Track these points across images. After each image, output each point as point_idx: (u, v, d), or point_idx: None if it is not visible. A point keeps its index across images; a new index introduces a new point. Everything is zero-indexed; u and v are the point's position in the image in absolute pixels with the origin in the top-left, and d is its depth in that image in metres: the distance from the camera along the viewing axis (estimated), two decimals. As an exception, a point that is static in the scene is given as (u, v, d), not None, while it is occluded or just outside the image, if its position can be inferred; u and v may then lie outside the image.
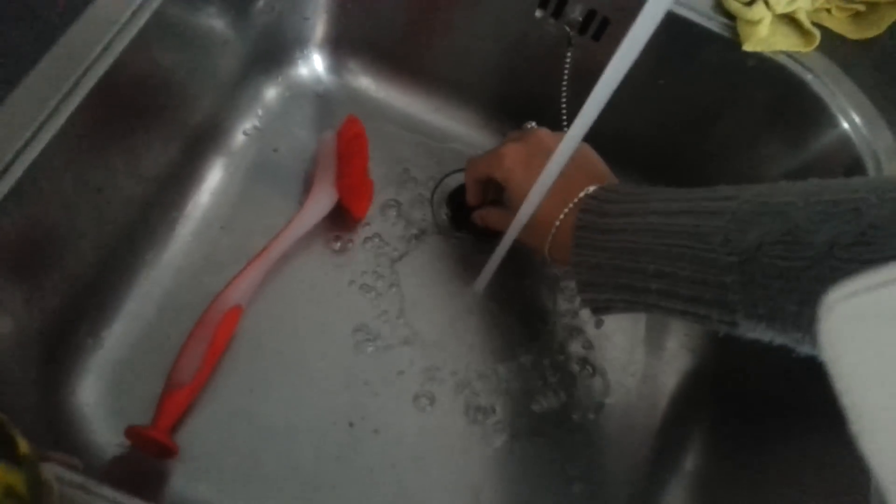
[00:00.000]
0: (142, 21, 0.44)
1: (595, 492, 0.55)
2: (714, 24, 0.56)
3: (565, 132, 0.41)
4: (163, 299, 0.53)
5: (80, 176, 0.44)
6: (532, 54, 0.63)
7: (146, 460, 0.47)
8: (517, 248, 0.51)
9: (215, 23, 0.54)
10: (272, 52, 0.64)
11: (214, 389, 0.51)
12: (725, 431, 0.57)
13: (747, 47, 0.55)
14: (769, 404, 0.54)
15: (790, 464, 0.49)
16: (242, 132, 0.62)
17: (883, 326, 0.24)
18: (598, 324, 0.61)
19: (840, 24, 0.59)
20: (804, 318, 0.35)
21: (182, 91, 0.53)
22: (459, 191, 0.64)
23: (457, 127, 0.69)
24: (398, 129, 0.67)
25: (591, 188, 0.48)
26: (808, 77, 0.56)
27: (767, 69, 0.57)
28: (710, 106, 0.61)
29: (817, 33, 0.56)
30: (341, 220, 0.60)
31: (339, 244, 0.60)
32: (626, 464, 0.57)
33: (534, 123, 0.60)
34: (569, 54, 0.60)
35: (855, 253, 0.33)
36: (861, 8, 0.59)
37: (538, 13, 0.59)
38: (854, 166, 0.54)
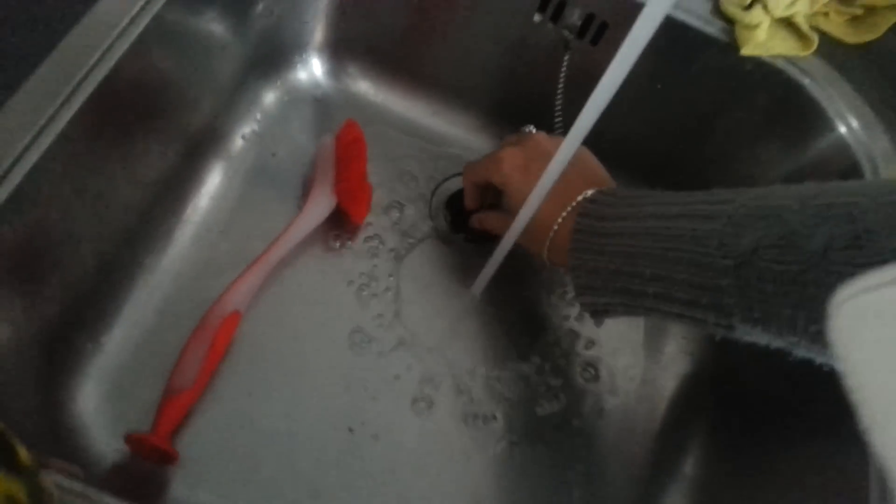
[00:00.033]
0: (141, 26, 0.44)
1: (595, 496, 0.55)
2: (712, 28, 0.56)
3: (562, 136, 0.41)
4: (162, 304, 0.53)
5: (79, 181, 0.44)
6: (530, 58, 0.63)
7: (146, 467, 0.47)
8: (515, 252, 0.51)
9: (214, 27, 0.54)
10: (271, 57, 0.64)
11: (214, 395, 0.51)
12: (725, 435, 0.57)
13: (745, 51, 0.55)
14: (768, 407, 0.54)
15: (790, 467, 0.49)
16: (241, 137, 0.62)
17: (893, 323, 0.24)
18: (598, 323, 0.61)
19: (838, 28, 0.59)
20: (799, 321, 0.35)
21: (181, 95, 0.53)
22: (458, 195, 0.64)
23: (455, 131, 0.69)
24: (397, 133, 0.67)
25: (590, 192, 0.48)
26: (806, 81, 0.56)
27: (765, 73, 0.57)
28: (708, 110, 0.61)
29: (815, 37, 0.56)
30: (340, 224, 0.60)
31: (337, 247, 0.59)
32: (625, 468, 0.57)
33: (532, 127, 0.60)
34: (566, 58, 0.60)
35: (849, 257, 0.33)
36: (859, 12, 0.59)
37: (537, 17, 0.60)
38: (851, 170, 0.54)
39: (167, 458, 0.47)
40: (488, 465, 0.54)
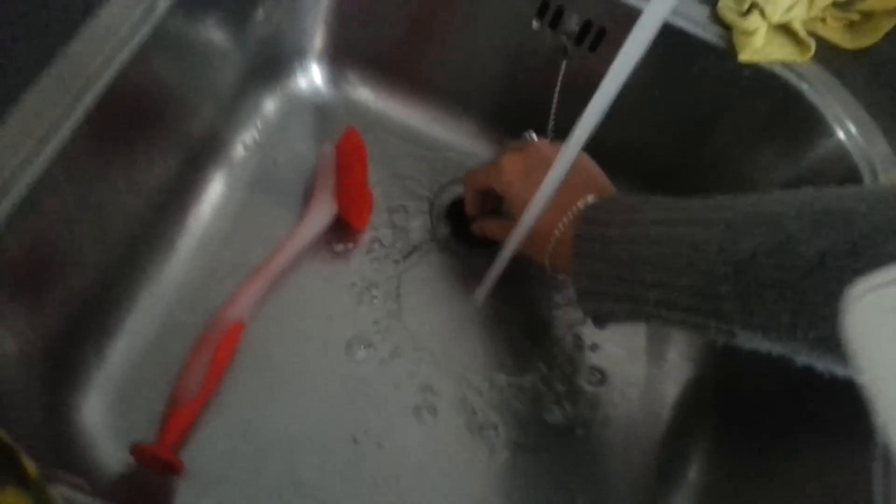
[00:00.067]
0: (142, 35, 0.44)
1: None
2: (710, 34, 0.56)
3: (560, 142, 0.41)
4: (165, 315, 0.53)
5: (82, 192, 0.44)
6: (529, 65, 0.63)
7: (151, 478, 0.47)
8: (518, 258, 0.52)
9: (214, 36, 0.54)
10: (271, 65, 0.64)
11: (218, 405, 0.51)
12: (727, 441, 0.57)
13: (743, 58, 0.55)
14: (771, 413, 0.54)
15: (793, 472, 0.49)
16: (242, 145, 0.62)
17: None
18: (600, 327, 0.61)
19: (835, 33, 0.59)
20: (799, 327, 0.36)
21: (182, 104, 0.53)
22: (459, 201, 0.64)
23: (455, 137, 0.69)
24: (397, 141, 0.68)
25: (591, 198, 0.48)
26: (804, 87, 0.56)
27: (763, 79, 0.57)
28: (706, 116, 0.62)
29: (812, 43, 0.56)
30: (341, 232, 0.60)
31: (338, 256, 0.60)
32: (629, 475, 0.57)
33: (533, 133, 0.60)
34: (563, 65, 0.60)
35: (847, 263, 0.33)
36: (856, 17, 0.59)
37: (535, 24, 0.60)
38: (850, 175, 0.54)
39: (172, 468, 0.47)
40: (492, 473, 0.54)
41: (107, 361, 0.50)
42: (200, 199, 0.58)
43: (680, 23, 0.56)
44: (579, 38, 0.60)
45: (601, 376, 0.60)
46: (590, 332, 0.61)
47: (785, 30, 0.57)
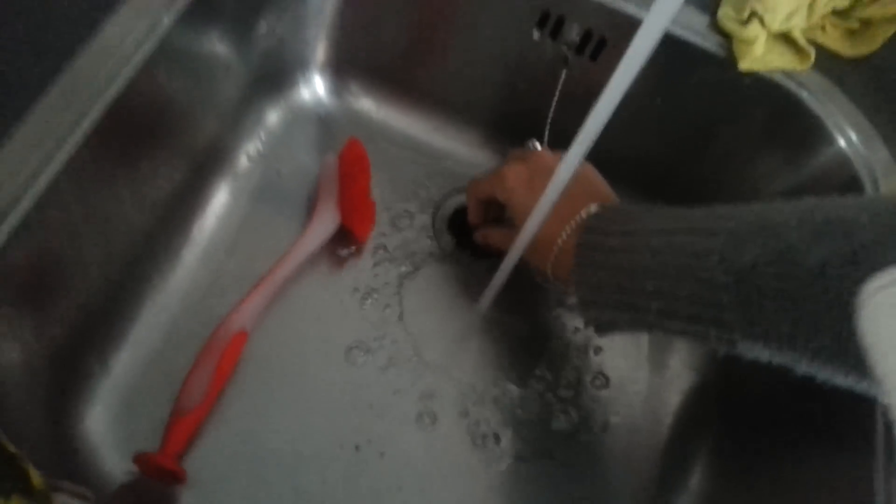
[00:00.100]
0: (147, 50, 0.45)
1: (601, 511, 0.55)
2: (710, 43, 0.57)
3: (560, 151, 0.41)
4: (169, 325, 0.54)
5: (88, 205, 0.44)
6: (531, 74, 0.64)
7: (155, 486, 0.48)
8: (520, 267, 0.52)
9: (218, 49, 0.55)
10: (274, 76, 0.64)
11: (221, 414, 0.51)
12: (730, 449, 0.57)
13: (743, 66, 0.55)
14: (773, 421, 0.54)
15: (795, 480, 0.49)
16: (246, 156, 0.63)
17: None
18: (602, 335, 0.61)
19: (835, 41, 0.60)
20: (799, 337, 0.36)
21: (186, 117, 0.54)
22: (461, 210, 0.64)
23: (457, 147, 0.70)
24: (400, 150, 0.68)
25: (593, 207, 0.48)
26: (804, 94, 0.56)
27: (763, 87, 0.57)
28: (707, 124, 0.62)
29: (812, 51, 0.56)
30: (345, 241, 0.60)
31: (342, 265, 0.60)
32: (631, 483, 0.57)
33: (537, 142, 0.60)
34: (563, 74, 0.60)
35: (846, 273, 0.33)
36: (855, 25, 0.59)
37: (536, 34, 0.60)
38: (851, 183, 0.54)
39: (175, 477, 0.47)
40: (495, 482, 0.54)
41: (111, 371, 0.51)
42: (204, 209, 0.59)
43: (680, 32, 0.57)
44: (580, 48, 0.60)
45: (604, 384, 0.60)
46: (592, 341, 0.62)
47: (785, 38, 0.57)
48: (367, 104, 0.69)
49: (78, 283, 0.47)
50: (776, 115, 0.58)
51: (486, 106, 0.68)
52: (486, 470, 0.54)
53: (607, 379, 0.60)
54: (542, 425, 0.57)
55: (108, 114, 0.42)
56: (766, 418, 0.55)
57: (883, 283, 0.28)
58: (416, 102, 0.69)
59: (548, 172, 0.43)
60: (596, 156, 0.45)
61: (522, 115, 0.67)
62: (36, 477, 0.29)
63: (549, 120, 0.61)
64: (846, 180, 0.54)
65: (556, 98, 0.60)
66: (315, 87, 0.68)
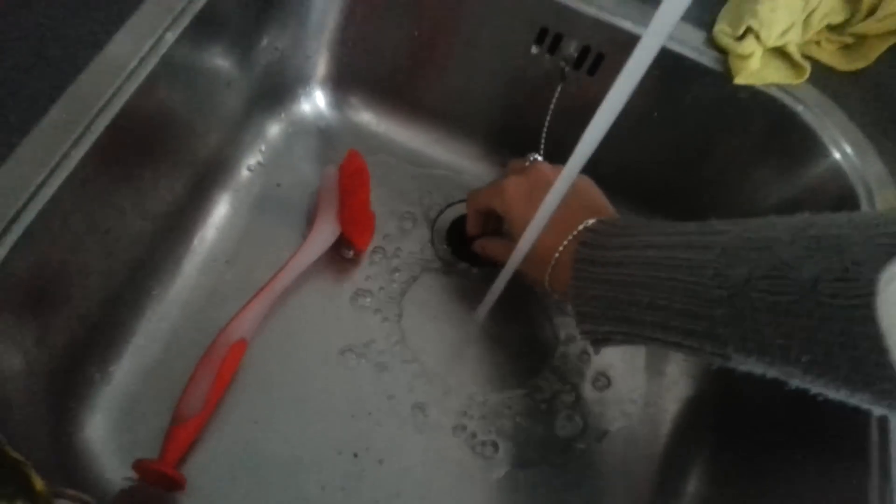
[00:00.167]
0: (150, 66, 0.46)
1: (598, 519, 0.55)
2: (706, 58, 0.57)
3: (561, 165, 0.42)
4: (169, 334, 0.54)
5: (90, 217, 0.45)
6: (529, 88, 0.64)
7: (154, 493, 0.48)
8: (518, 278, 0.52)
9: (220, 64, 0.56)
10: (275, 90, 0.65)
11: (221, 422, 0.52)
12: (727, 457, 0.57)
13: (739, 80, 0.56)
14: (770, 429, 0.54)
15: (791, 489, 0.49)
16: (247, 168, 0.63)
17: None
18: (597, 351, 0.62)
19: (830, 56, 0.60)
20: (792, 351, 0.36)
21: (188, 130, 0.55)
22: (460, 221, 0.65)
23: (457, 159, 0.70)
24: (399, 163, 0.69)
25: (591, 221, 0.49)
26: (800, 108, 0.57)
27: (759, 101, 0.57)
28: (703, 137, 0.62)
29: (808, 66, 0.57)
30: (344, 252, 0.61)
31: (341, 275, 0.60)
32: (629, 490, 0.57)
33: (537, 155, 0.61)
34: (559, 89, 0.61)
35: (838, 288, 0.33)
36: (850, 41, 0.60)
37: (534, 49, 0.61)
38: (846, 196, 0.54)
39: (175, 484, 0.47)
40: (493, 489, 0.54)
41: (112, 379, 0.51)
42: (205, 221, 0.60)
43: (677, 47, 0.57)
44: (578, 63, 0.61)
45: (601, 392, 0.60)
46: (589, 349, 0.62)
47: (780, 53, 0.58)
48: (367, 117, 0.70)
49: (79, 292, 0.47)
50: (772, 128, 0.59)
51: (485, 119, 0.69)
52: (484, 478, 0.55)
53: (605, 387, 0.61)
54: (540, 433, 0.57)
55: (112, 127, 0.43)
56: (762, 427, 0.55)
57: None
58: (415, 115, 0.70)
59: (547, 185, 0.43)
60: (594, 169, 0.46)
61: (521, 128, 0.67)
62: (39, 482, 0.30)
63: (544, 133, 0.61)
64: (841, 193, 0.55)
65: (550, 111, 0.61)
66: (316, 101, 0.69)
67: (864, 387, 0.34)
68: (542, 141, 0.61)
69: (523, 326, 0.62)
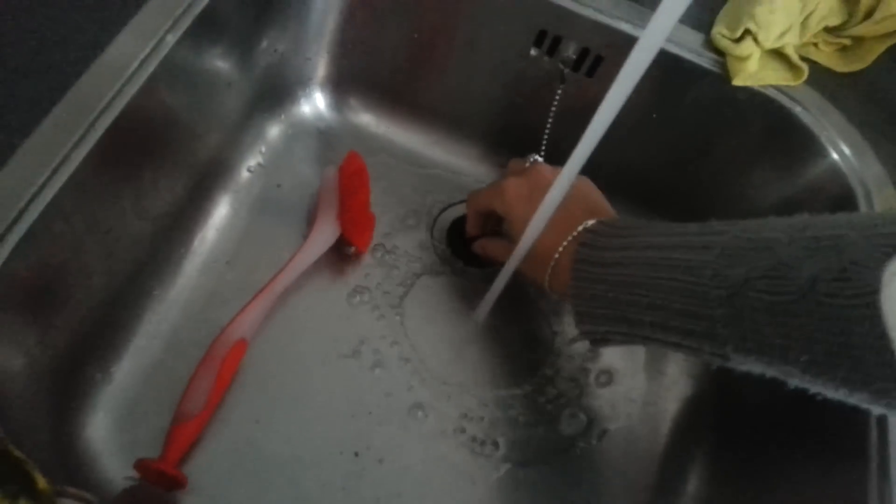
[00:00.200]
0: (151, 68, 0.46)
1: (597, 518, 0.55)
2: (704, 60, 0.57)
3: (561, 166, 0.42)
4: (170, 334, 0.54)
5: (91, 218, 0.45)
6: (528, 90, 0.65)
7: (156, 492, 0.48)
8: (517, 278, 0.52)
9: (220, 66, 0.56)
10: (275, 92, 0.65)
11: (222, 421, 0.52)
12: (727, 456, 0.57)
13: (737, 82, 0.56)
14: (769, 429, 0.54)
15: (791, 488, 0.49)
16: (247, 169, 0.64)
17: None
18: (596, 351, 0.62)
19: (828, 57, 0.61)
20: (791, 351, 0.36)
21: (188, 132, 0.55)
22: (459, 222, 0.65)
23: (456, 160, 0.71)
24: (399, 164, 0.69)
25: (590, 222, 0.49)
26: (798, 109, 0.57)
27: (757, 102, 0.58)
28: (703, 138, 0.62)
29: (805, 67, 0.57)
30: (344, 253, 0.61)
31: (341, 275, 0.61)
32: (628, 489, 0.57)
33: (537, 156, 0.61)
34: (559, 90, 0.61)
35: (836, 288, 0.33)
36: (847, 42, 0.60)
37: (533, 51, 0.61)
38: (844, 196, 0.55)
39: (176, 483, 0.48)
40: (493, 489, 0.55)
41: (113, 379, 0.51)
42: (206, 222, 0.60)
43: (675, 49, 0.57)
44: (577, 65, 0.61)
45: (601, 391, 0.60)
46: (588, 350, 0.62)
47: (778, 54, 0.58)
48: (366, 118, 0.70)
49: (80, 293, 0.47)
50: (770, 129, 0.59)
51: (485, 120, 0.69)
52: (485, 476, 0.55)
53: (604, 386, 0.61)
54: (540, 432, 0.57)
55: (112, 129, 0.43)
56: (762, 427, 0.55)
57: None
58: (415, 117, 0.70)
59: (547, 186, 0.44)
60: (593, 170, 0.46)
61: (520, 129, 0.67)
62: (42, 481, 0.30)
63: (545, 135, 0.61)
64: (839, 193, 0.55)
65: (552, 113, 0.61)
66: (315, 102, 0.69)
67: (863, 386, 0.34)
68: (544, 142, 0.61)
69: (523, 326, 0.62)
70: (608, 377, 0.61)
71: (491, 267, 0.59)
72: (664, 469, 0.59)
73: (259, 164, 0.64)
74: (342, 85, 0.69)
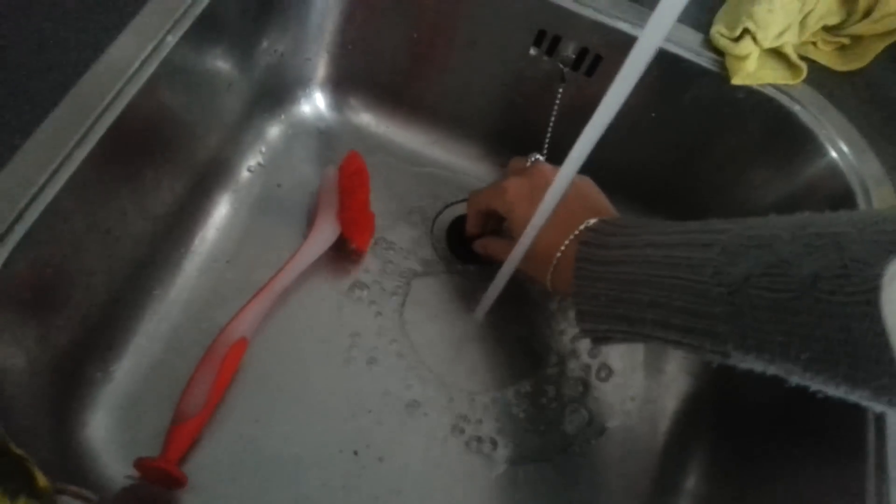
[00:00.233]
0: (151, 68, 0.46)
1: (597, 516, 0.56)
2: (703, 59, 0.58)
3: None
4: (170, 334, 0.55)
5: (91, 217, 0.45)
6: (528, 90, 0.65)
7: (156, 491, 0.48)
8: (517, 276, 0.52)
9: (220, 66, 0.56)
10: (275, 92, 0.66)
11: (221, 420, 0.52)
12: (726, 453, 0.57)
13: (736, 81, 0.56)
14: (768, 427, 0.54)
15: (789, 485, 0.49)
16: (247, 169, 0.64)
17: None
18: (598, 349, 0.62)
19: (826, 56, 0.61)
20: (792, 348, 0.36)
21: (189, 132, 0.55)
22: (459, 221, 0.65)
23: (456, 160, 0.71)
24: (399, 163, 0.69)
25: (592, 221, 0.49)
26: (797, 108, 0.57)
27: (756, 102, 0.58)
28: (702, 137, 0.63)
29: (804, 66, 0.57)
30: (344, 252, 0.61)
31: (341, 274, 0.61)
32: (628, 487, 0.58)
33: (539, 156, 0.61)
34: (560, 90, 0.61)
35: (837, 285, 0.34)
36: (846, 41, 0.60)
37: (532, 51, 0.61)
38: (843, 194, 0.55)
39: (176, 482, 0.48)
40: (493, 486, 0.55)
41: (113, 378, 0.52)
42: (206, 222, 0.60)
43: (674, 49, 0.57)
44: (576, 64, 0.61)
45: (601, 390, 0.61)
46: (588, 348, 0.62)
47: (777, 53, 0.58)
48: (366, 118, 0.71)
49: (81, 292, 0.47)
50: (770, 128, 0.59)
51: (484, 120, 0.69)
52: (484, 475, 0.55)
53: (603, 384, 0.61)
54: (539, 430, 0.58)
55: (113, 129, 0.43)
56: (760, 423, 0.55)
57: None
58: (415, 116, 0.70)
59: (548, 186, 0.44)
60: (594, 169, 0.46)
61: (520, 128, 0.68)
62: (42, 479, 0.30)
63: (548, 134, 0.62)
64: (838, 192, 0.55)
65: (554, 113, 0.61)
66: (315, 102, 0.69)
67: (864, 383, 0.34)
68: (546, 142, 0.62)
69: (522, 325, 0.63)
70: (607, 375, 0.61)
71: (490, 265, 0.59)
72: (663, 467, 0.59)
73: (259, 164, 0.64)
74: (342, 85, 0.69)
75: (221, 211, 0.61)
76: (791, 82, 0.58)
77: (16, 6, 0.46)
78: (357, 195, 0.62)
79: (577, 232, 0.49)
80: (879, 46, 0.60)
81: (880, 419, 0.43)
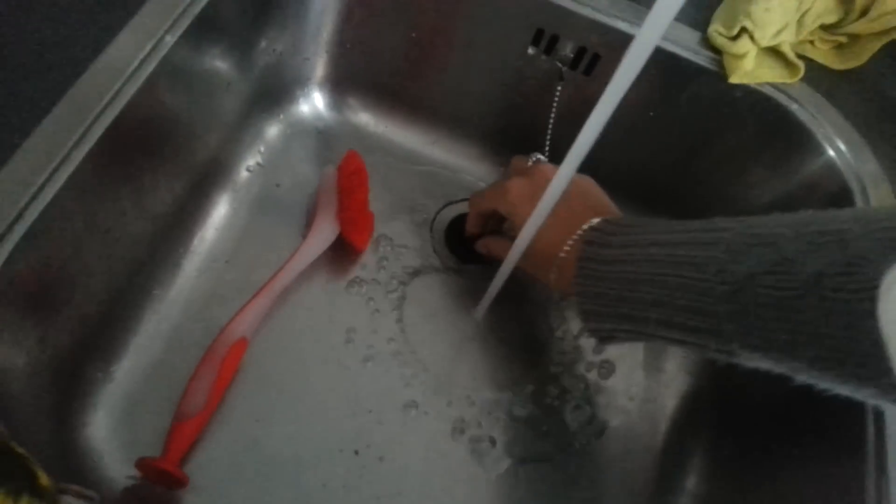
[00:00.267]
0: (150, 68, 0.46)
1: (598, 515, 0.56)
2: (701, 58, 0.58)
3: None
4: (170, 333, 0.55)
5: (91, 217, 0.45)
6: (526, 89, 0.65)
7: (157, 491, 0.48)
8: (516, 275, 0.52)
9: (219, 66, 0.56)
10: (274, 92, 0.66)
11: (222, 420, 0.52)
12: (726, 452, 0.57)
13: (733, 80, 0.56)
14: (768, 425, 0.54)
15: (789, 483, 0.49)
16: (246, 169, 0.64)
17: None
18: (598, 349, 0.62)
19: (824, 55, 0.61)
20: (797, 346, 0.36)
21: (187, 132, 0.55)
22: (458, 221, 0.65)
23: (455, 159, 0.71)
24: (398, 163, 0.69)
25: (594, 220, 0.49)
26: (794, 107, 0.57)
27: (754, 100, 0.58)
28: (700, 136, 0.63)
29: (801, 65, 0.58)
30: (343, 251, 0.61)
31: (340, 274, 0.61)
32: (628, 486, 0.58)
33: (540, 155, 0.61)
34: (559, 89, 0.61)
35: (841, 283, 0.34)
36: (843, 40, 0.60)
37: (531, 50, 0.61)
38: (840, 192, 0.55)
39: (177, 482, 0.48)
40: (493, 486, 0.55)
41: (114, 378, 0.51)
42: (206, 221, 0.60)
43: (671, 47, 0.58)
44: (574, 63, 0.61)
45: (600, 389, 0.61)
46: (588, 347, 0.62)
47: (774, 52, 0.58)
48: (365, 118, 0.71)
49: (81, 292, 0.47)
50: (767, 126, 0.59)
51: (483, 119, 0.70)
52: (484, 474, 0.55)
53: (603, 384, 0.61)
54: (539, 429, 0.58)
55: (112, 129, 0.43)
56: (760, 422, 0.55)
57: None
58: (413, 116, 0.70)
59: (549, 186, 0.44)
60: (592, 168, 0.46)
61: (519, 128, 0.68)
62: (44, 478, 0.30)
63: (548, 134, 0.62)
64: (836, 190, 0.55)
65: (553, 112, 0.61)
66: (314, 102, 0.69)
67: (870, 381, 0.34)
68: (548, 141, 0.62)
69: (521, 324, 0.63)
70: (606, 374, 0.61)
71: (489, 265, 0.59)
72: (663, 465, 0.59)
73: (258, 164, 0.64)
74: (341, 84, 0.69)
75: (220, 211, 0.61)
76: (788, 81, 0.58)
77: (16, 6, 0.46)
78: (356, 195, 0.62)
79: (580, 231, 0.49)
80: (876, 45, 0.60)
81: (879, 417, 0.44)
